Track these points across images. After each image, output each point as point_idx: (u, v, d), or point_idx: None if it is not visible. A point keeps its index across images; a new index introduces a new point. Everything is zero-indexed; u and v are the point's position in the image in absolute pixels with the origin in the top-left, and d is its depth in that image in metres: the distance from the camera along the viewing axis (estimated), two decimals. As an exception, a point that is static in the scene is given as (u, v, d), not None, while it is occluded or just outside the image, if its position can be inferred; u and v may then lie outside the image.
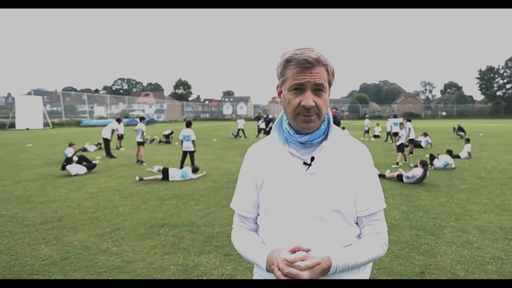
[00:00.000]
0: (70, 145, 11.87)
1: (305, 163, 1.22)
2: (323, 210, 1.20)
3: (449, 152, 10.74)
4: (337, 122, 9.71)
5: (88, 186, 7.63)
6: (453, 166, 9.81)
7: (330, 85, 1.21)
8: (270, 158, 1.28)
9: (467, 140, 12.38)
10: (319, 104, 1.17)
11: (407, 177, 7.76)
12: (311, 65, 1.14)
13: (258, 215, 1.34)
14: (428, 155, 10.39)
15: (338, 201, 1.21)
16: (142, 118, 12.02)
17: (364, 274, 1.28)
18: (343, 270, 1.15)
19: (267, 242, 1.27)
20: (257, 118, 23.42)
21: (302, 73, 1.14)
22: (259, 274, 1.32)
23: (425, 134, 15.73)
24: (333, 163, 1.23)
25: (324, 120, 1.25)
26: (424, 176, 7.61)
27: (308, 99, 1.15)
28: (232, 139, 21.03)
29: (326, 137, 1.25)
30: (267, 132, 16.10)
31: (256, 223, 1.36)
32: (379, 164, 10.12)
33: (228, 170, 9.63)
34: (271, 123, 16.00)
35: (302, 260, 1.07)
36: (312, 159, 1.22)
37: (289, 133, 1.25)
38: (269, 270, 1.16)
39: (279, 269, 1.07)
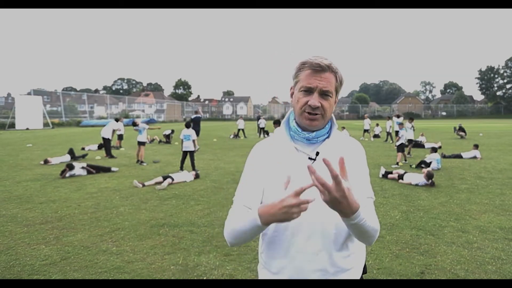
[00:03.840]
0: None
1: (310, 158, 1.32)
2: None
3: (458, 156, 10.84)
4: None
5: (88, 186, 7.62)
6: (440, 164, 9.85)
7: (337, 91, 1.34)
8: (276, 153, 1.37)
9: (476, 146, 12.25)
10: (324, 105, 1.29)
11: (410, 184, 7.60)
12: (322, 69, 1.27)
13: None
14: (427, 155, 10.42)
15: None
16: (134, 124, 11.50)
17: (358, 270, 1.36)
18: (361, 222, 1.13)
19: (273, 235, 1.33)
20: (257, 118, 23.52)
21: (313, 76, 1.28)
22: (268, 270, 1.36)
23: (440, 147, 15.36)
24: (335, 158, 1.26)
25: (328, 121, 1.39)
26: (431, 185, 7.47)
27: (315, 100, 1.28)
28: (232, 139, 21.06)
29: (329, 136, 1.38)
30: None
31: None
32: (379, 164, 10.11)
33: (228, 170, 9.62)
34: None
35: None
36: (317, 153, 1.33)
37: (296, 130, 1.35)
38: (268, 220, 1.13)
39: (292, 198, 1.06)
